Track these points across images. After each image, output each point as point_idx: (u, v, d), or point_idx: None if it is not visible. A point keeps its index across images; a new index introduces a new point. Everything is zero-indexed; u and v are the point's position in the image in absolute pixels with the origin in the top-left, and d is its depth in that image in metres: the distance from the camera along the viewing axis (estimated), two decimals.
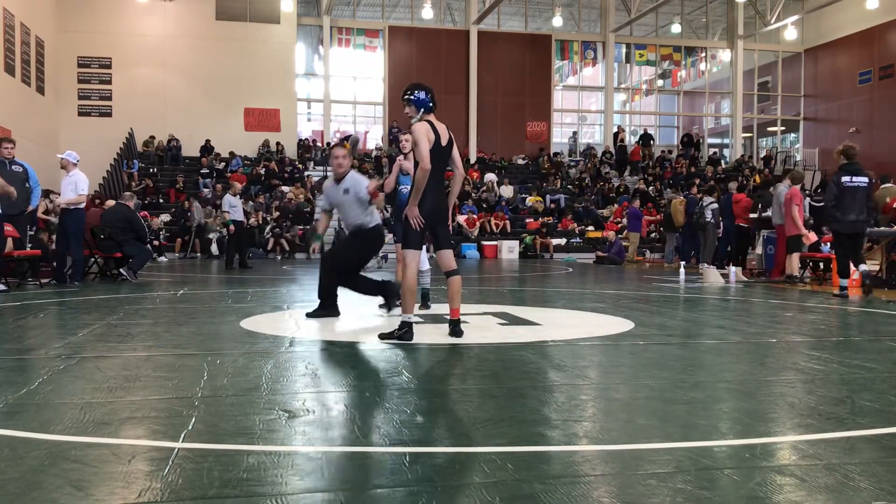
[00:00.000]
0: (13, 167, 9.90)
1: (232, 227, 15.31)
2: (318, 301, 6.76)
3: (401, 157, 7.49)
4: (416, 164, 5.21)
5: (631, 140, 32.30)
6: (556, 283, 12.33)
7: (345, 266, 6.79)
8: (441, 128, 5.30)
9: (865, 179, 9.15)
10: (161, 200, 24.35)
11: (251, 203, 22.65)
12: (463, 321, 5.50)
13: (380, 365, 4.41)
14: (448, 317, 5.43)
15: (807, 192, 16.95)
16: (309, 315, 6.65)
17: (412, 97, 5.28)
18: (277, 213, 23.13)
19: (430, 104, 5.31)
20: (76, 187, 10.46)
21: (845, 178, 9.09)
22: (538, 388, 3.77)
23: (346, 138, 29.75)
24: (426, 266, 7.33)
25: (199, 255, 21.61)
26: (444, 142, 5.26)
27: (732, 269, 12.47)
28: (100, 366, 4.24)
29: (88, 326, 5.95)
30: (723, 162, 32.23)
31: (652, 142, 32.03)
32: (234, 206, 15.49)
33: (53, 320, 6.67)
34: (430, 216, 5.26)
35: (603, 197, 27.98)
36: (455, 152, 5.44)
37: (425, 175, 5.15)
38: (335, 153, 6.73)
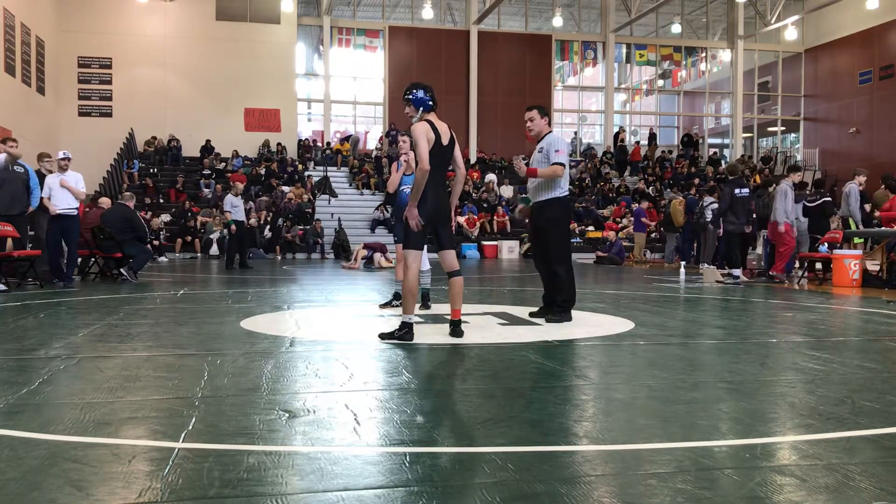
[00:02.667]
0: (15, 167, 9.92)
1: (233, 227, 15.33)
2: (557, 304, 6.38)
3: (402, 157, 7.47)
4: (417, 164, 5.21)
5: (631, 140, 32.32)
6: None
7: (567, 251, 6.58)
8: (442, 127, 5.28)
9: (748, 190, 11.74)
10: (161, 200, 24.37)
11: (251, 203, 22.66)
12: (463, 321, 5.50)
13: (380, 365, 4.41)
14: (449, 317, 5.43)
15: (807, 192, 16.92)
16: (549, 320, 6.27)
17: (411, 96, 5.28)
18: (271, 214, 23.11)
19: (430, 102, 5.30)
20: (78, 183, 10.65)
21: (737, 190, 11.42)
22: (538, 388, 3.77)
23: (347, 138, 29.80)
24: (426, 266, 7.32)
25: (199, 254, 21.64)
26: (444, 141, 5.24)
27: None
28: (100, 366, 4.24)
29: (88, 326, 5.95)
30: (723, 162, 32.23)
31: (654, 142, 32.12)
32: (235, 206, 15.50)
33: (53, 320, 6.66)
34: (431, 216, 5.24)
35: (603, 197, 27.99)
36: (457, 152, 5.42)
37: (424, 175, 5.12)
38: (526, 115, 6.46)
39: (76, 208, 10.69)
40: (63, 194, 10.53)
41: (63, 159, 10.76)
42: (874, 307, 8.02)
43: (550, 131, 6.49)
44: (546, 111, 6.59)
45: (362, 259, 16.36)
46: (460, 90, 29.79)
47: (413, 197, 5.18)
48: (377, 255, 16.58)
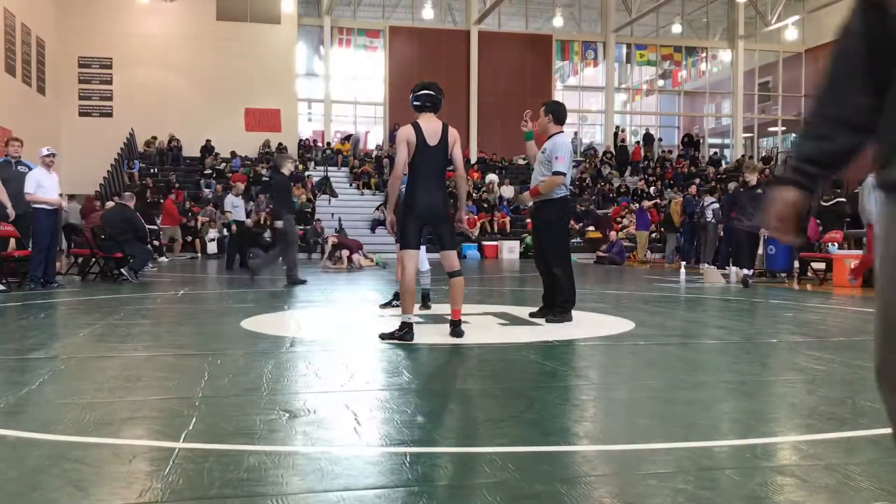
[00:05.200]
0: (19, 167, 9.90)
1: (234, 227, 15.32)
2: (559, 304, 6.34)
3: None
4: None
5: (631, 140, 32.33)
6: None
7: (566, 252, 6.53)
8: (431, 127, 5.24)
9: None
10: (161, 200, 24.35)
11: (251, 203, 22.65)
12: (463, 321, 5.49)
13: (380, 365, 4.41)
14: (449, 317, 5.42)
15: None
16: (550, 320, 6.25)
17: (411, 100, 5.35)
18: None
19: (416, 103, 5.31)
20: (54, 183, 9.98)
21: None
22: (539, 388, 3.77)
23: (347, 138, 29.79)
24: (426, 266, 7.32)
25: (199, 255, 21.65)
26: (431, 142, 5.21)
27: (733, 269, 12.46)
28: (101, 366, 4.25)
29: (89, 326, 5.95)
30: (723, 162, 32.24)
31: (659, 140, 32.26)
32: (236, 207, 15.49)
33: (54, 320, 6.67)
34: (423, 216, 5.24)
35: (603, 197, 28.00)
36: (456, 153, 5.38)
37: (394, 182, 5.32)
38: (540, 112, 6.51)
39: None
40: (53, 186, 9.85)
41: (48, 156, 9.91)
42: (874, 307, 8.01)
43: (559, 132, 6.43)
44: (552, 109, 6.47)
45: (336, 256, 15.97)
46: (461, 90, 29.77)
47: (388, 203, 5.38)
48: (356, 256, 16.24)
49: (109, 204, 13.02)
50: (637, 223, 21.29)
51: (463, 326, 5.39)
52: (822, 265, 12.26)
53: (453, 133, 5.33)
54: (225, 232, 17.35)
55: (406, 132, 5.18)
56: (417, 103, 5.30)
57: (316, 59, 30.42)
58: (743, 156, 32.48)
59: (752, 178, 11.50)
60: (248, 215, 16.84)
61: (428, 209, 5.23)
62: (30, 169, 10.02)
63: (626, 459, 2.57)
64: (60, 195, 10.29)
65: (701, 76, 34.61)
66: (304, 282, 10.58)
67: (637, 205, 23.08)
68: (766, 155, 32.99)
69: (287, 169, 10.87)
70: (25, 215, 9.91)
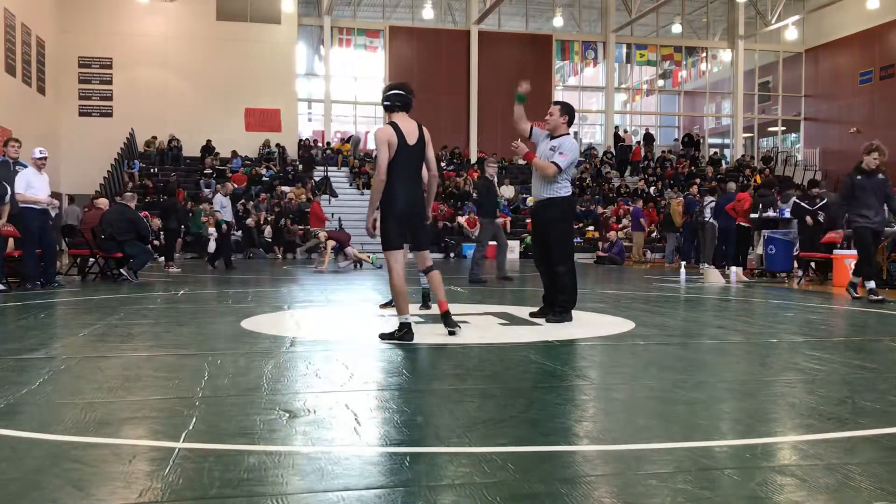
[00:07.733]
0: (17, 167, 9.89)
1: (225, 227, 15.33)
2: (560, 305, 6.30)
3: None
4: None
5: (633, 140, 32.35)
6: None
7: (570, 251, 6.48)
8: (409, 126, 5.22)
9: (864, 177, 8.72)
10: (162, 199, 24.34)
11: (252, 203, 22.66)
12: (464, 321, 5.49)
13: (380, 365, 4.41)
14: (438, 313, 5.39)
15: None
16: (550, 320, 6.22)
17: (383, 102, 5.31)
18: (273, 214, 23.13)
19: (387, 103, 5.30)
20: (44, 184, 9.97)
21: (859, 177, 8.69)
22: (539, 388, 3.77)
23: (348, 139, 29.79)
24: None
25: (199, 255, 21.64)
26: (410, 141, 5.18)
27: (733, 269, 12.47)
28: (100, 366, 4.24)
29: (89, 326, 5.95)
30: (723, 162, 32.24)
31: (674, 140, 32.45)
32: (224, 207, 15.47)
33: (54, 320, 6.67)
34: (405, 215, 5.21)
35: (603, 197, 27.99)
36: (430, 152, 5.34)
37: (379, 185, 5.15)
38: (550, 110, 6.39)
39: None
40: (42, 187, 9.80)
41: (40, 158, 9.92)
42: (874, 307, 8.01)
43: (568, 133, 6.43)
44: (568, 110, 6.46)
45: (332, 252, 15.65)
46: (460, 90, 29.78)
47: (370, 206, 5.23)
48: (349, 249, 15.91)
49: (103, 201, 12.97)
50: (633, 224, 21.31)
51: (463, 326, 5.38)
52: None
53: (427, 132, 5.33)
54: (216, 232, 17.27)
55: (387, 133, 5.14)
56: (388, 103, 5.30)
57: (316, 59, 30.43)
58: (743, 156, 32.48)
59: (873, 163, 8.59)
60: (239, 215, 16.76)
61: (410, 209, 5.21)
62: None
63: (626, 459, 2.56)
64: (52, 195, 10.27)
65: (701, 76, 34.63)
66: (483, 281, 11.06)
67: (632, 206, 23.10)
68: (766, 155, 33.00)
69: (489, 172, 11.53)
70: (20, 215, 9.89)
